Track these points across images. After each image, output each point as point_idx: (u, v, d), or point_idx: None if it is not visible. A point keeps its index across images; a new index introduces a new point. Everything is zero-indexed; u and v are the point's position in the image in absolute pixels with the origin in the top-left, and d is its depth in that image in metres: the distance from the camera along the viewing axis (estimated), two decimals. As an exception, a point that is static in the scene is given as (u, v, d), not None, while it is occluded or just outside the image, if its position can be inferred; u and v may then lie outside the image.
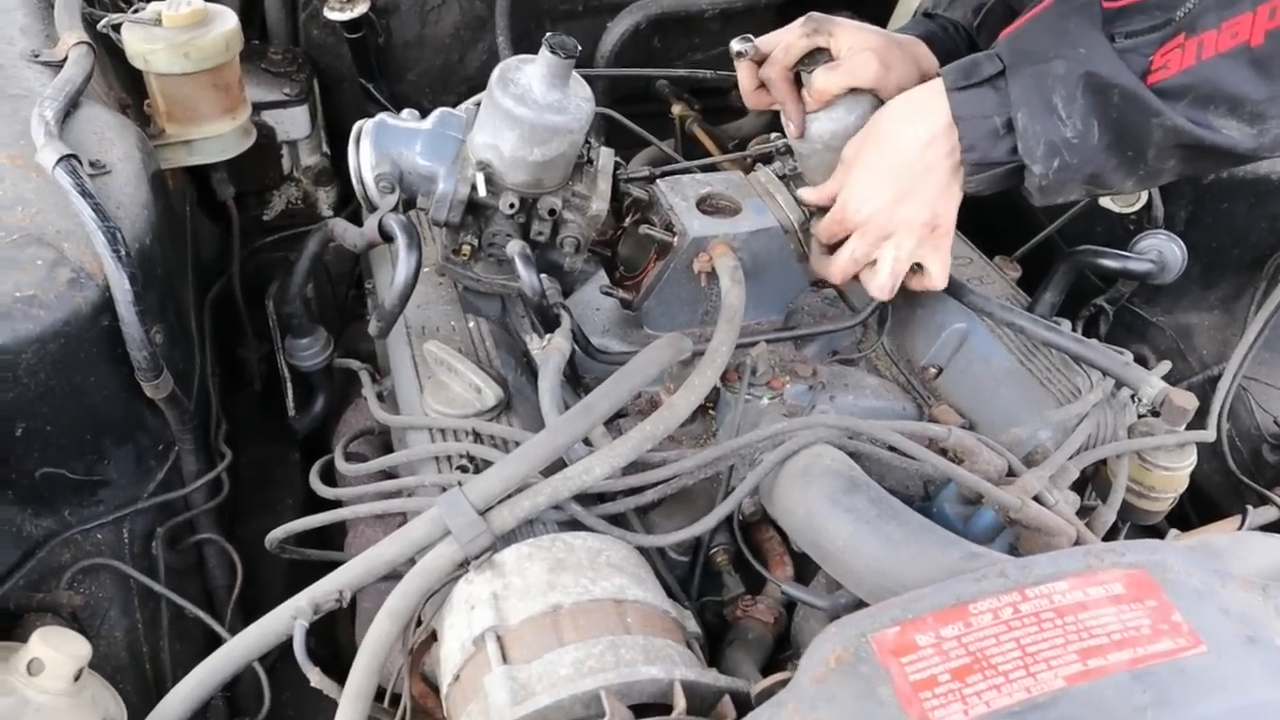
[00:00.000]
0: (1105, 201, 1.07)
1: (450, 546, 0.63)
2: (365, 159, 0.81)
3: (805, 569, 0.79)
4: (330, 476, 0.86)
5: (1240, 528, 1.00)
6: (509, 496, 0.65)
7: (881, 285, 0.80)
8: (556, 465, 0.67)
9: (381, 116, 0.83)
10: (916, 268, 0.81)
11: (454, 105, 0.87)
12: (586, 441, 0.71)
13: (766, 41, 0.85)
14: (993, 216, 1.01)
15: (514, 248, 0.82)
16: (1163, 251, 0.97)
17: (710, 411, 0.84)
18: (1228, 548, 0.56)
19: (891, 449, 0.72)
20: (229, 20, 0.97)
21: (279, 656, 0.66)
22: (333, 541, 0.89)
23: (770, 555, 0.80)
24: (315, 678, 0.60)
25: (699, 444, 0.82)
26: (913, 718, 0.45)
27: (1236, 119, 0.67)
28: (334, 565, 0.66)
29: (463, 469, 0.73)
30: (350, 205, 1.26)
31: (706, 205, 0.88)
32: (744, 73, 0.87)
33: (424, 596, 0.62)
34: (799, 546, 0.72)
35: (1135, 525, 0.87)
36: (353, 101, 1.30)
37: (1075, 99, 0.68)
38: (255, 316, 1.09)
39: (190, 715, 0.64)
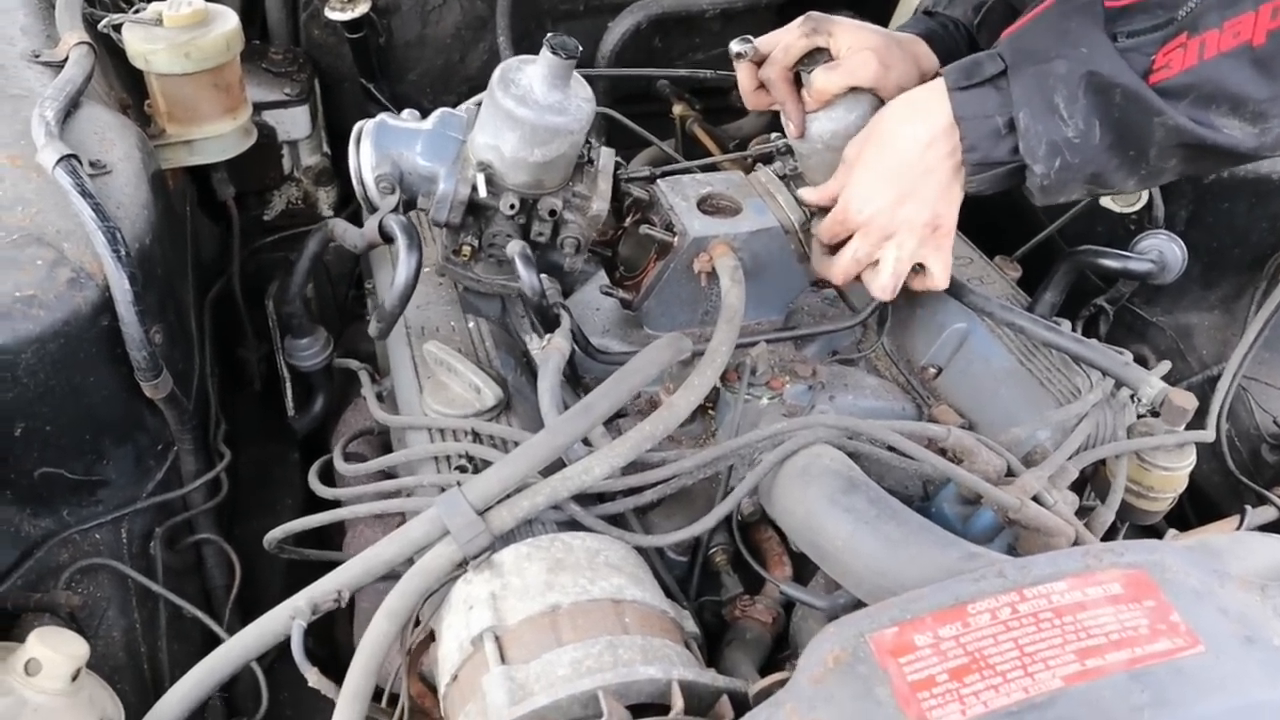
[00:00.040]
0: (1106, 201, 1.07)
1: (449, 546, 0.63)
2: (365, 160, 0.81)
3: (804, 569, 0.79)
4: (329, 476, 0.86)
5: (1239, 528, 1.00)
6: (508, 496, 0.65)
7: (884, 286, 0.80)
8: (556, 465, 0.67)
9: (382, 117, 0.83)
10: (918, 268, 0.81)
11: (455, 105, 0.87)
12: (586, 441, 0.71)
13: (765, 42, 0.85)
14: (993, 216, 1.01)
15: (514, 248, 0.82)
16: (1163, 251, 0.97)
17: (710, 411, 0.84)
18: (1226, 548, 0.56)
19: (891, 449, 0.72)
20: (230, 20, 0.97)
21: (277, 656, 0.66)
22: (331, 541, 0.89)
23: (769, 555, 0.80)
24: (313, 678, 0.60)
25: (698, 444, 0.82)
26: (911, 718, 0.45)
27: (1238, 118, 0.67)
28: (332, 565, 0.66)
29: (462, 469, 0.73)
30: (351, 205, 1.26)
31: (707, 205, 0.88)
32: (743, 74, 0.87)
33: (422, 596, 0.62)
34: (797, 546, 0.72)
35: (1134, 525, 0.87)
36: (353, 101, 1.30)
37: (1077, 99, 0.68)
38: (255, 316, 1.09)
39: (188, 715, 0.64)
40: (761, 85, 0.86)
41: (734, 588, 0.79)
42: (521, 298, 0.83)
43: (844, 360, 0.94)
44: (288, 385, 0.99)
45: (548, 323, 0.81)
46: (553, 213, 0.82)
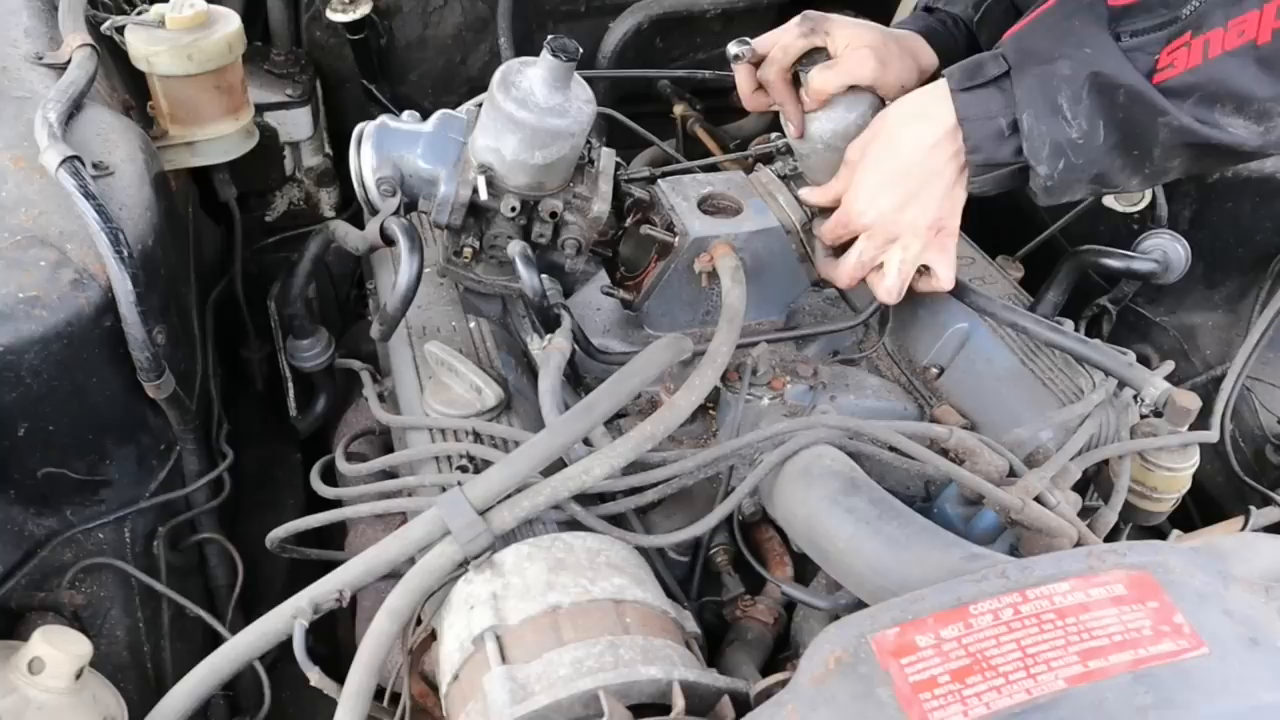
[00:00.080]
0: (1109, 201, 1.07)
1: (450, 546, 0.63)
2: (366, 162, 0.81)
3: (805, 569, 0.79)
4: (331, 476, 0.86)
5: (1243, 529, 0.99)
6: (509, 496, 0.65)
7: (889, 289, 0.80)
8: (557, 465, 0.67)
9: (382, 119, 0.83)
10: (923, 269, 0.81)
11: (456, 106, 0.87)
12: (587, 441, 0.71)
13: (763, 43, 0.85)
14: (996, 216, 1.00)
15: (515, 249, 0.82)
16: (1166, 251, 0.97)
17: (711, 411, 0.84)
18: (1231, 549, 0.56)
19: (892, 449, 0.72)
20: (232, 22, 0.97)
21: (279, 655, 0.66)
22: (333, 541, 0.89)
23: (770, 555, 0.79)
24: (315, 677, 0.60)
25: (699, 444, 0.82)
26: (912, 719, 0.45)
27: (1243, 117, 0.67)
28: (334, 565, 0.66)
29: (463, 469, 0.73)
30: (352, 206, 1.26)
31: (707, 205, 0.88)
32: (742, 76, 0.87)
33: (424, 596, 0.62)
34: (799, 547, 0.72)
35: (1137, 526, 0.86)
36: (355, 103, 1.30)
37: (1081, 99, 0.68)
38: (257, 317, 1.09)
39: (191, 714, 0.64)
40: (760, 86, 0.86)
41: (735, 588, 0.79)
42: (522, 298, 0.83)
43: (845, 360, 0.94)
44: (290, 385, 0.99)
45: (548, 323, 0.81)
46: (553, 214, 0.82)
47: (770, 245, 0.87)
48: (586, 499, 0.70)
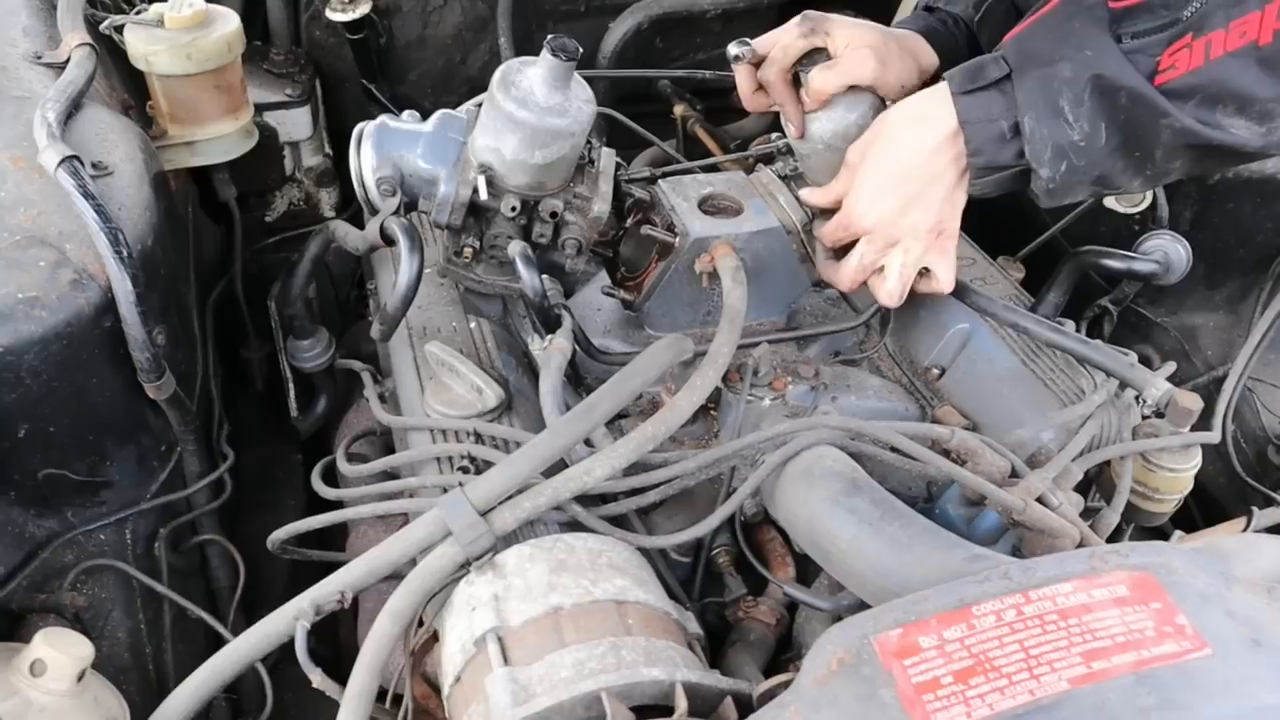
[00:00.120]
0: (1110, 202, 1.07)
1: (452, 547, 0.63)
2: (366, 162, 0.81)
3: (807, 570, 0.79)
4: (332, 477, 0.86)
5: (1245, 529, 0.99)
6: (510, 497, 0.65)
7: (891, 293, 0.80)
8: (558, 466, 0.67)
9: (382, 119, 0.82)
10: (923, 271, 0.81)
11: (456, 106, 0.87)
12: (588, 442, 0.71)
13: (763, 43, 0.85)
14: (997, 217, 1.00)
15: (515, 249, 0.82)
16: (1167, 252, 0.96)
17: (712, 412, 0.84)
18: (1233, 550, 0.56)
19: (894, 450, 0.72)
20: (231, 21, 0.97)
21: (281, 657, 0.66)
22: (335, 542, 0.89)
23: (772, 556, 0.79)
24: (317, 679, 0.60)
25: (701, 445, 0.82)
26: (915, 720, 0.44)
27: (1245, 118, 0.67)
28: (336, 566, 0.66)
29: (464, 470, 0.73)
30: (352, 206, 1.26)
31: (708, 206, 0.88)
32: (742, 76, 0.86)
33: (425, 597, 0.62)
34: (801, 548, 0.72)
35: (1139, 527, 0.86)
36: (355, 102, 1.30)
37: (1082, 102, 0.68)
38: (257, 317, 1.09)
39: (193, 716, 0.64)
40: (760, 87, 0.86)
41: (737, 589, 0.79)
42: (523, 298, 0.83)
43: (847, 361, 0.94)
44: (290, 386, 0.99)
45: (549, 323, 0.81)
46: (554, 214, 0.82)
47: (771, 246, 0.87)
48: (588, 500, 0.70)
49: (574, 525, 0.69)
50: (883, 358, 0.96)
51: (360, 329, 1.11)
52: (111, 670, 0.74)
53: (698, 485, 0.73)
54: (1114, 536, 0.81)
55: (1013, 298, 0.96)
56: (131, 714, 0.66)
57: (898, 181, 0.75)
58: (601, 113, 1.10)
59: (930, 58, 0.86)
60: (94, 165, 0.77)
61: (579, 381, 0.88)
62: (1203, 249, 1.01)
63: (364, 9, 1.19)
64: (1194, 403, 0.79)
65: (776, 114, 0.87)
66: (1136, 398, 0.82)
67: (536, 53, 0.77)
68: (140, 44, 0.94)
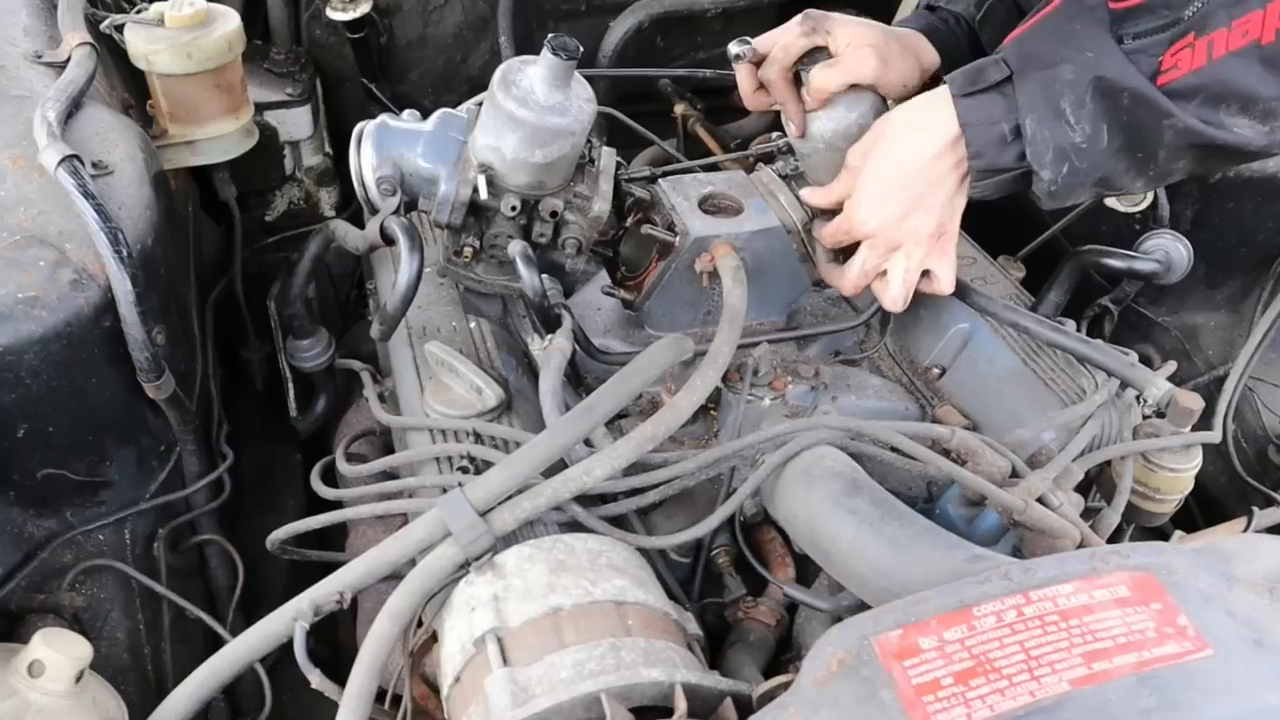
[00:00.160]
0: (1111, 201, 1.07)
1: (451, 547, 0.63)
2: (366, 161, 0.81)
3: (807, 570, 0.79)
4: (331, 477, 0.86)
5: (1246, 530, 0.99)
6: (510, 497, 0.65)
7: (895, 298, 0.80)
8: (558, 466, 0.67)
9: (383, 118, 0.82)
10: (925, 273, 0.81)
11: (456, 105, 0.87)
12: (588, 442, 0.70)
13: (764, 42, 0.84)
14: (997, 216, 1.00)
15: (515, 249, 0.82)
16: (1168, 251, 0.96)
17: (712, 412, 0.84)
18: (1234, 550, 0.56)
19: (894, 450, 0.72)
20: (231, 20, 0.97)
21: (280, 658, 0.66)
22: (334, 542, 0.89)
23: (772, 557, 0.79)
24: (316, 679, 0.60)
25: (701, 445, 0.82)
26: (915, 721, 0.44)
27: (1248, 117, 0.67)
28: (335, 566, 0.66)
29: (464, 470, 0.73)
30: (352, 205, 1.26)
31: (708, 205, 0.88)
32: (743, 75, 0.86)
33: (425, 597, 0.62)
34: (801, 548, 0.72)
35: (1140, 527, 0.86)
36: (355, 102, 1.30)
37: (1084, 103, 0.68)
38: (257, 317, 1.09)
39: (192, 716, 0.64)
40: (761, 86, 0.86)
41: (737, 589, 0.79)
42: (523, 298, 0.83)
43: (847, 361, 0.94)
44: (290, 386, 0.99)
45: (549, 323, 0.81)
46: (554, 213, 0.82)
47: (771, 245, 0.86)
48: (588, 500, 0.70)
49: (574, 525, 0.69)
50: (883, 357, 0.95)
51: (360, 329, 1.11)
52: (110, 671, 0.74)
53: (697, 485, 0.73)
54: (1115, 537, 0.81)
55: (1013, 297, 0.96)
56: (130, 714, 0.66)
57: (899, 186, 0.75)
58: (602, 112, 1.10)
59: (932, 57, 0.86)
60: (94, 164, 0.77)
61: (579, 381, 0.88)
62: (1204, 248, 1.00)
63: (364, 8, 1.19)
64: (1195, 402, 0.78)
65: (777, 113, 0.87)
66: (1137, 397, 0.82)
67: (537, 52, 0.77)
68: (140, 43, 0.94)
